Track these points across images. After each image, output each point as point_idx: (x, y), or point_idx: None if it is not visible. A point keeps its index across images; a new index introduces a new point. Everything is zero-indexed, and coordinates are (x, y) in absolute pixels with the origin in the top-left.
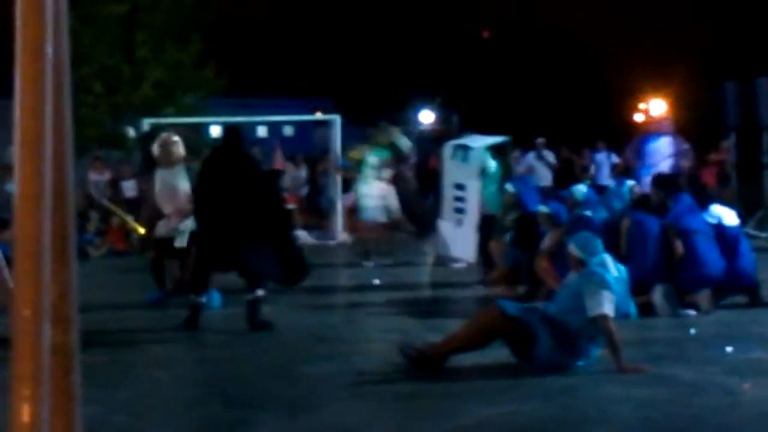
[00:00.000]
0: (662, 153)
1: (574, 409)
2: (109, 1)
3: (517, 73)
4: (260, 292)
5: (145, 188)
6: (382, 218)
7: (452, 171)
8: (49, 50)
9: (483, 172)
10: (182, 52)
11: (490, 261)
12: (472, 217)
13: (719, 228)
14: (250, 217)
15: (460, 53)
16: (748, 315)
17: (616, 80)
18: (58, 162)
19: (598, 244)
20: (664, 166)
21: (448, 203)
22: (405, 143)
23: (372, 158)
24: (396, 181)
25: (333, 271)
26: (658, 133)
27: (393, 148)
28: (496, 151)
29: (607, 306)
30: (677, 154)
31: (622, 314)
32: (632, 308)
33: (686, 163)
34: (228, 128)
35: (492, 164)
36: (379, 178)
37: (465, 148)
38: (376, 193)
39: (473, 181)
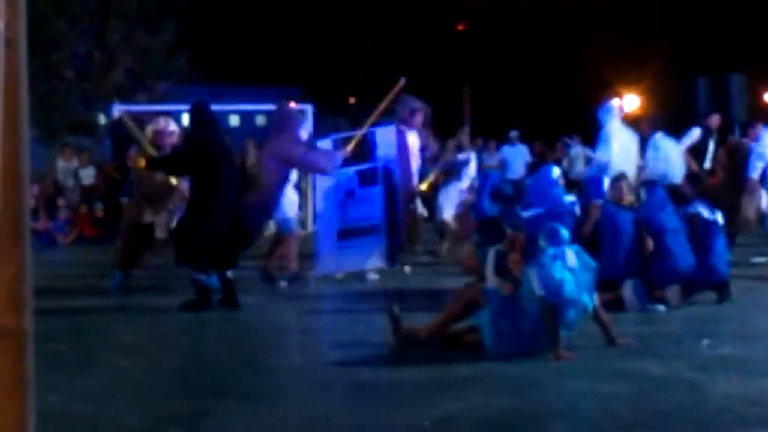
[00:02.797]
0: None
1: (542, 403)
2: None
3: (492, 66)
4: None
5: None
6: None
7: None
8: (0, 24)
9: None
10: (154, 39)
11: None
12: None
13: (697, 220)
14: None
15: (434, 45)
16: (717, 311)
17: (591, 74)
18: (11, 139)
19: (562, 234)
20: None
21: None
22: None
23: None
24: None
25: (303, 261)
26: None
27: None
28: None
29: (540, 289)
30: None
31: (578, 304)
32: (587, 299)
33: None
34: (193, 108)
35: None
36: None
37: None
38: None
39: None
